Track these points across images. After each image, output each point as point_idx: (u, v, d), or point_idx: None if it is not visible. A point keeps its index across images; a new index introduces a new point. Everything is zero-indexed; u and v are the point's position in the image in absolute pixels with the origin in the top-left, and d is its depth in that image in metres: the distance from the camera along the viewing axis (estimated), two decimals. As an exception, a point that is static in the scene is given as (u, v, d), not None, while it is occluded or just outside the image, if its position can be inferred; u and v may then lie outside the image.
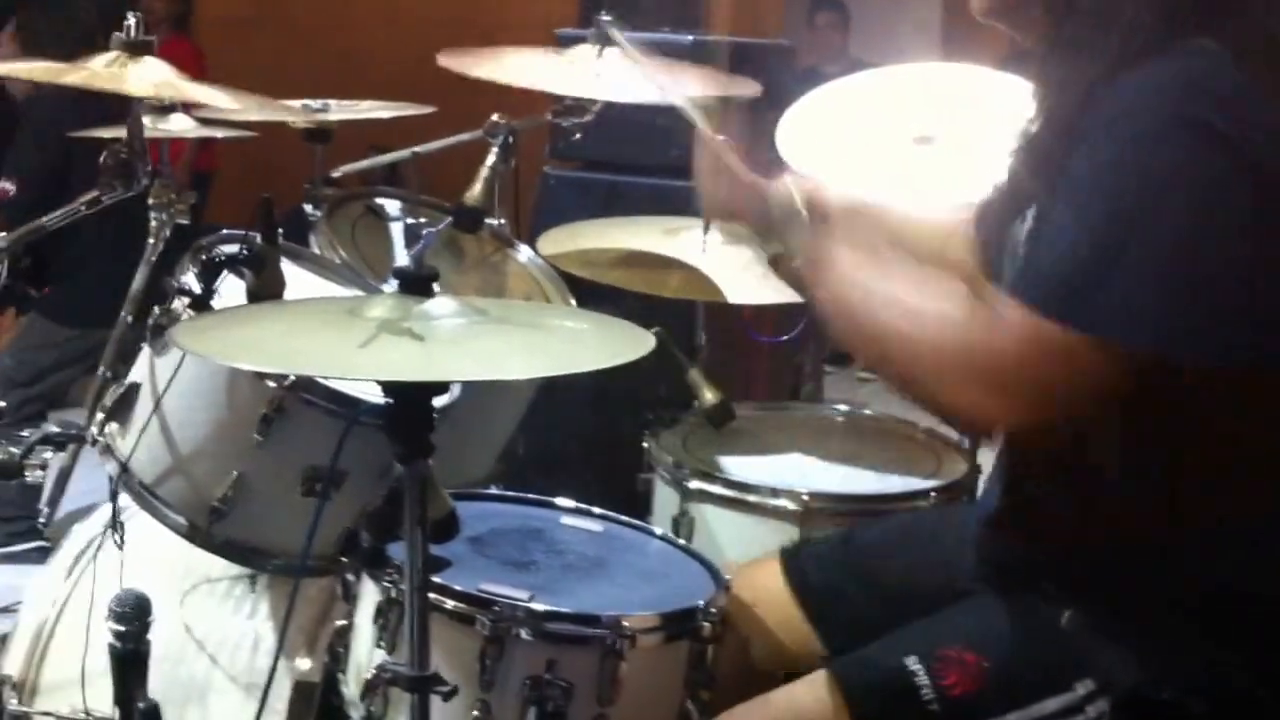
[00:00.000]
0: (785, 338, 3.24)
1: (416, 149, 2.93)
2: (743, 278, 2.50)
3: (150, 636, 2.02)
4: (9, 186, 4.31)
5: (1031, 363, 1.51)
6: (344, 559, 1.90)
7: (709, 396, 2.50)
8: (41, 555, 4.19)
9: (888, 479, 2.40)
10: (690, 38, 3.90)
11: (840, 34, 6.19)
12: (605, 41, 2.55)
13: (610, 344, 1.69)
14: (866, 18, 6.20)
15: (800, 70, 4.92)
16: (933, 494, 2.32)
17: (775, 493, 2.27)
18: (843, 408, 2.76)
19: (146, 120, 2.38)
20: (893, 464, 2.45)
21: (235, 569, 2.29)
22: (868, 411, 2.74)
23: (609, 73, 2.54)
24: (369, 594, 1.88)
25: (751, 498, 2.29)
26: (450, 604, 1.79)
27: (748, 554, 2.17)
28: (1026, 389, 1.52)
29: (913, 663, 1.69)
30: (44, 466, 2.09)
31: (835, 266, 1.72)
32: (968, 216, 1.91)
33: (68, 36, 3.90)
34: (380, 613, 1.83)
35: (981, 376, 1.54)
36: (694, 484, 2.34)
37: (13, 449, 2.05)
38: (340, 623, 1.96)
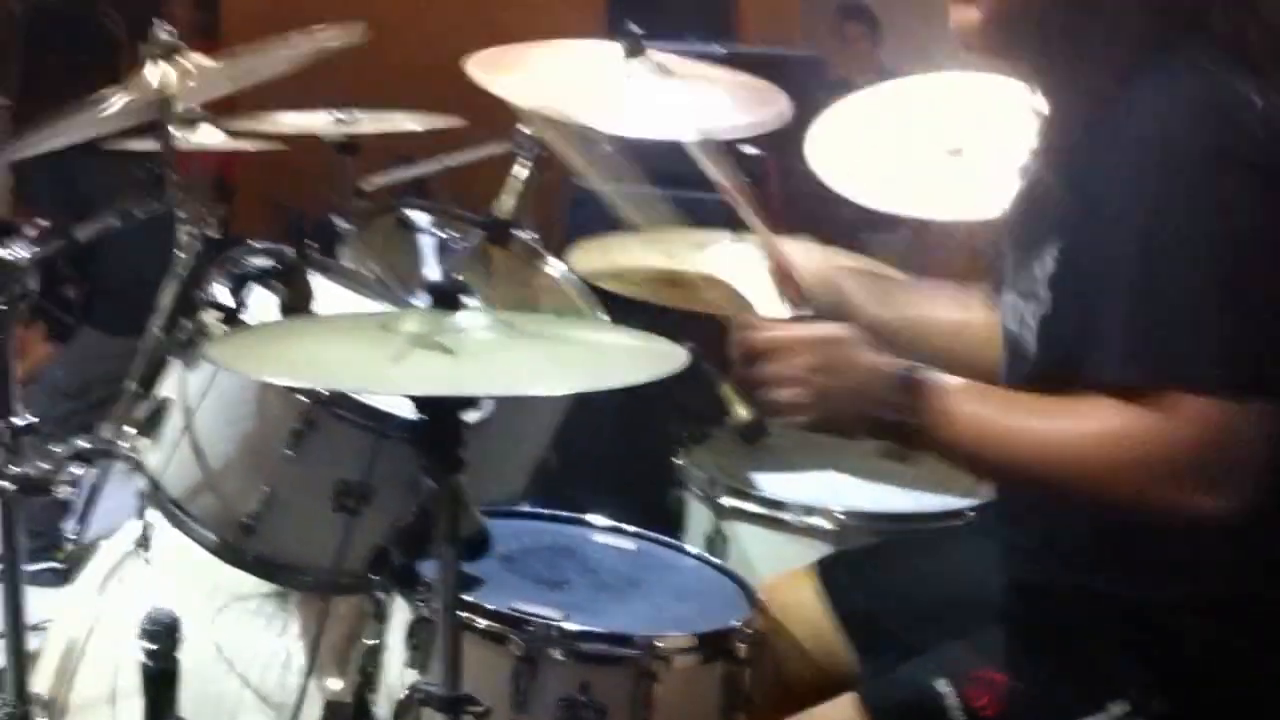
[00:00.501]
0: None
1: (446, 161, 2.92)
2: (774, 290, 2.47)
3: (180, 655, 2.01)
4: None
5: (1213, 443, 1.43)
6: (374, 576, 1.89)
7: (742, 412, 2.45)
8: (56, 576, 4.21)
9: (923, 497, 2.38)
10: (721, 50, 3.89)
11: (871, 45, 6.15)
12: (634, 52, 2.53)
13: (642, 359, 1.67)
14: (897, 28, 6.16)
15: (831, 82, 4.89)
16: (968, 513, 2.29)
17: (809, 510, 2.25)
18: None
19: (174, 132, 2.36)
20: (928, 482, 2.42)
21: (265, 586, 2.27)
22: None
23: (635, 86, 2.52)
24: (400, 612, 1.86)
25: (785, 515, 2.27)
26: (482, 623, 1.78)
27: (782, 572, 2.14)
28: (1221, 471, 1.45)
29: (943, 685, 1.67)
30: (74, 482, 2.08)
31: (936, 423, 1.57)
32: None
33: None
34: (412, 632, 1.82)
35: (1175, 475, 1.45)
36: (727, 501, 2.32)
37: (43, 464, 2.03)
38: (371, 642, 1.94)
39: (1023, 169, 1.70)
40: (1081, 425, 1.50)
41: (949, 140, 2.35)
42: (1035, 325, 1.61)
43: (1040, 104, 1.67)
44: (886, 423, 1.59)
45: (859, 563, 2.06)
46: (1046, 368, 1.60)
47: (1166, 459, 1.44)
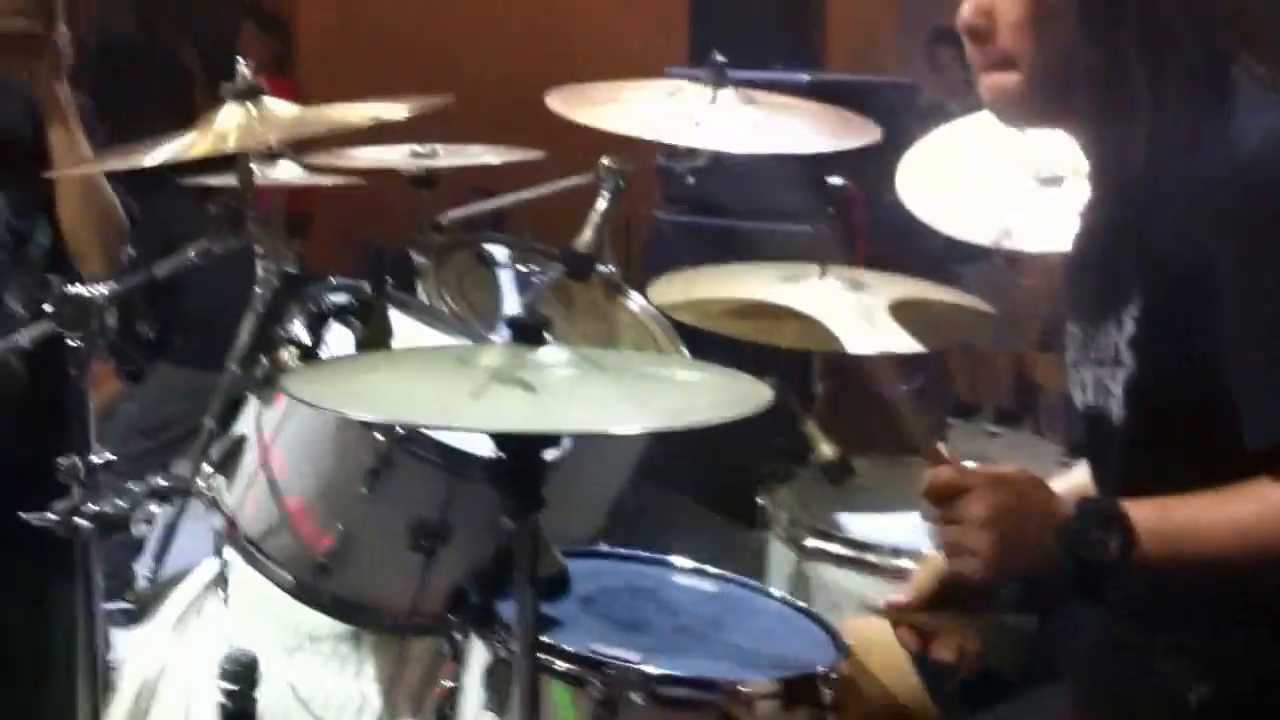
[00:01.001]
0: (907, 389, 3.15)
1: (525, 194, 2.90)
2: (862, 326, 2.42)
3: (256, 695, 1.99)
4: None
5: None
6: (452, 617, 1.87)
7: (826, 451, 2.42)
8: (127, 616, 4.23)
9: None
10: (806, 76, 3.85)
11: (963, 69, 6.07)
12: (718, 82, 2.50)
13: (724, 397, 1.63)
14: None
15: (923, 108, 4.83)
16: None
17: (897, 552, 2.20)
18: (970, 464, 2.66)
19: (254, 168, 2.37)
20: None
21: (340, 627, 2.26)
22: (996, 466, 2.64)
23: (720, 115, 2.49)
24: (477, 654, 1.84)
25: (872, 557, 2.23)
26: (561, 665, 1.75)
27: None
28: None
29: None
30: (150, 520, 2.07)
31: (1141, 548, 1.47)
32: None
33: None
34: (489, 673, 1.80)
35: None
36: (811, 542, 2.28)
37: (120, 502, 2.03)
38: (448, 683, 1.92)
39: (1077, 237, 1.64)
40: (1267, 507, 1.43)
41: (1044, 169, 2.29)
42: (1121, 392, 1.55)
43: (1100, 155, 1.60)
44: (1085, 562, 1.47)
45: None
46: (1140, 432, 1.55)
47: None
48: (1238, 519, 1.45)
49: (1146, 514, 1.47)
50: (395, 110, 2.27)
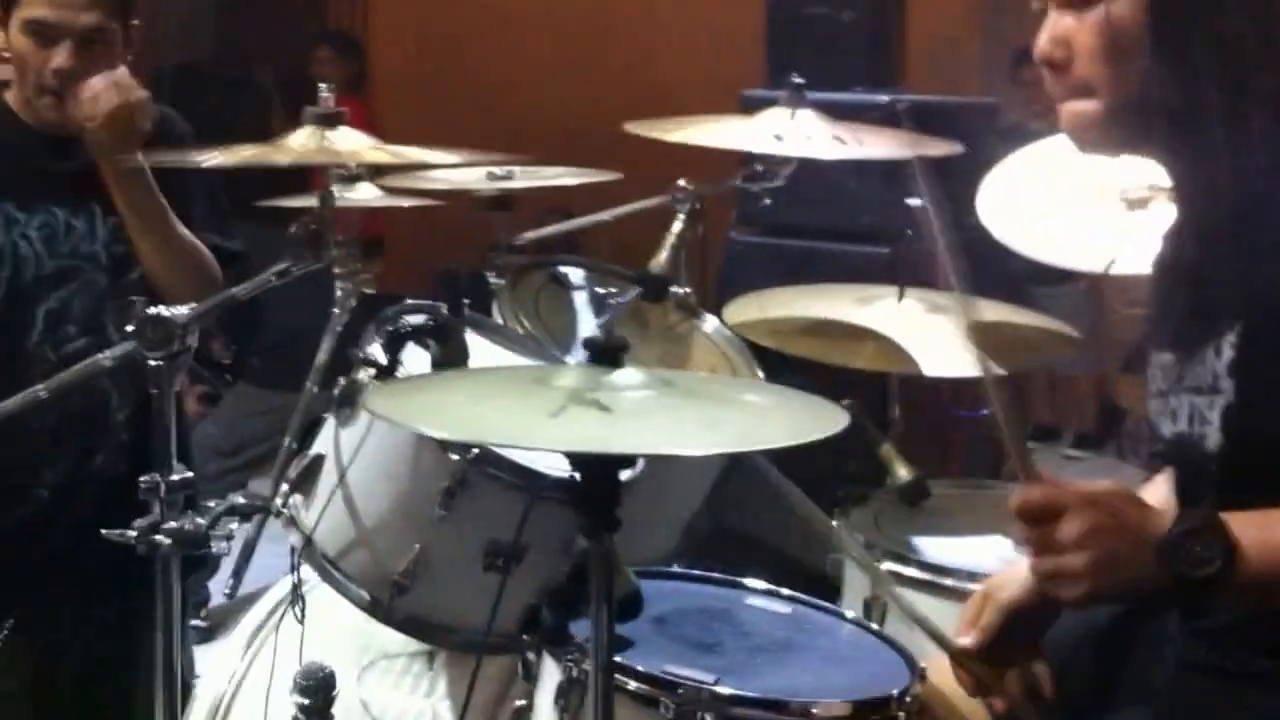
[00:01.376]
0: (985, 411, 3.12)
1: (601, 215, 2.91)
2: (939, 348, 2.41)
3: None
4: None
5: None
6: (525, 636, 1.87)
7: (903, 473, 2.41)
8: (199, 634, 4.29)
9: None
10: (885, 97, 3.83)
11: (1045, 89, 5.99)
12: (796, 103, 2.50)
13: (800, 420, 1.62)
14: None
15: (1003, 128, 4.80)
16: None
17: (973, 577, 2.17)
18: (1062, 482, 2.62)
19: (334, 189, 2.39)
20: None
21: (413, 645, 2.26)
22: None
23: (800, 135, 2.49)
24: (550, 673, 1.84)
25: (948, 581, 2.21)
26: (633, 685, 1.75)
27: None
28: None
29: None
30: (230, 538, 2.09)
31: (1245, 559, 1.43)
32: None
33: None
34: (561, 693, 1.80)
35: None
36: (886, 566, 2.25)
37: (199, 519, 2.05)
38: (520, 703, 1.94)
39: (1164, 261, 1.62)
40: None
41: (1130, 191, 2.26)
42: (1218, 419, 1.52)
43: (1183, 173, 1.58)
44: (1187, 580, 1.43)
45: None
46: (1238, 460, 1.51)
47: None
48: None
49: (1248, 527, 1.43)
50: (471, 174, 2.29)
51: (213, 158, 2.23)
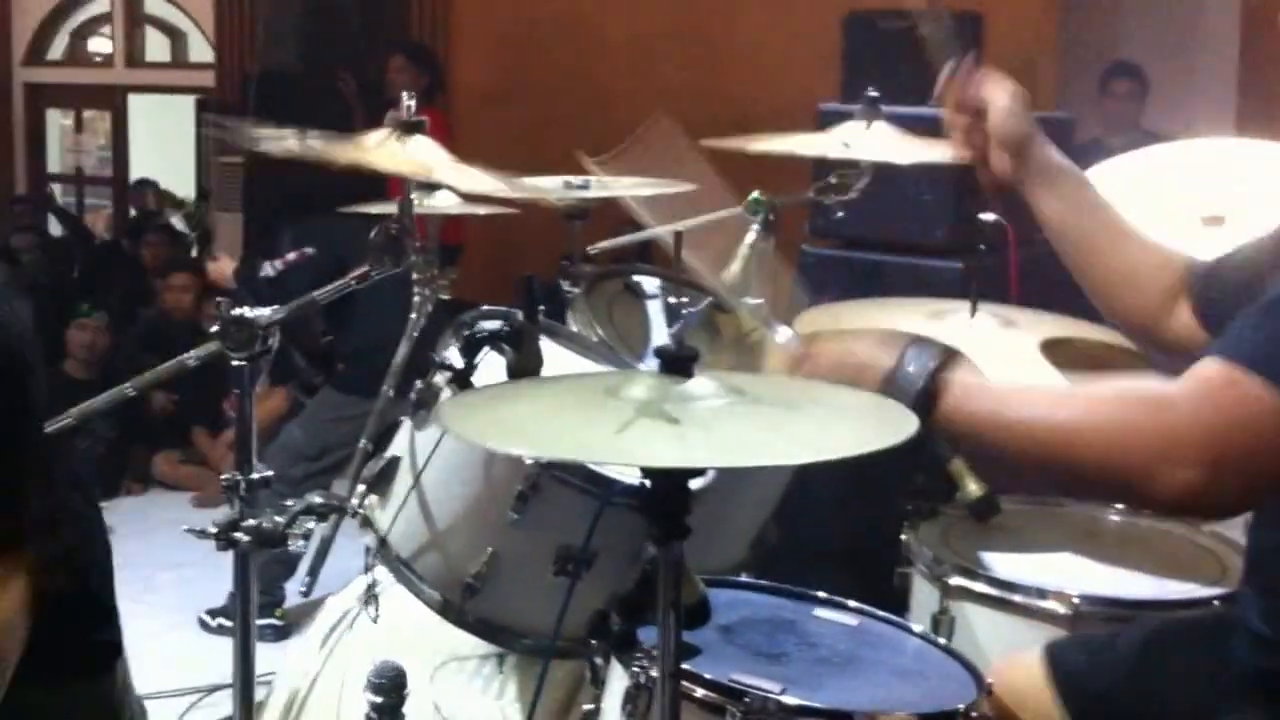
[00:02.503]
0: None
1: (675, 225, 2.92)
2: (1012, 364, 2.40)
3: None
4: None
5: (1236, 420, 1.40)
6: (593, 641, 1.88)
7: (973, 488, 2.40)
8: (275, 633, 4.33)
9: (1165, 584, 2.26)
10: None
11: (1135, 104, 5.97)
12: (872, 116, 2.51)
13: (872, 426, 1.62)
14: (1163, 92, 5.98)
15: (1082, 144, 4.75)
16: (1215, 603, 2.16)
17: (1043, 594, 2.17)
18: (1118, 504, 2.62)
19: (414, 196, 2.42)
20: (1171, 567, 2.31)
21: (484, 647, 2.29)
22: (1144, 508, 2.59)
23: (875, 147, 2.50)
24: (617, 679, 1.85)
25: (1017, 598, 2.20)
26: (700, 692, 1.76)
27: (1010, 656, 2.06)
28: (1229, 450, 1.40)
29: None
30: (307, 536, 2.12)
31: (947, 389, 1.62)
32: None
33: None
34: (629, 698, 1.80)
35: (1182, 435, 1.42)
36: (955, 580, 2.25)
37: (277, 517, 2.08)
38: (587, 707, 1.94)
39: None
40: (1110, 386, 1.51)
41: (1208, 208, 2.25)
42: None
43: None
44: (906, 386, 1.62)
45: (1093, 649, 1.97)
46: None
47: (1188, 414, 1.41)
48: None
49: (972, 380, 1.61)
50: (544, 191, 2.29)
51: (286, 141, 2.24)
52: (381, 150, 2.23)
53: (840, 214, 2.88)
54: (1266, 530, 1.69)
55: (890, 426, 1.55)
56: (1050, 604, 2.15)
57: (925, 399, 1.60)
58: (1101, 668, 1.92)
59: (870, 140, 2.52)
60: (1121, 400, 1.49)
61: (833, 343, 1.75)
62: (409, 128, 2.27)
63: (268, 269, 4.61)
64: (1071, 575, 2.27)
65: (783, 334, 2.57)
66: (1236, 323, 1.47)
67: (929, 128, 2.44)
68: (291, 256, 4.56)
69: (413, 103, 2.29)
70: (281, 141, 2.25)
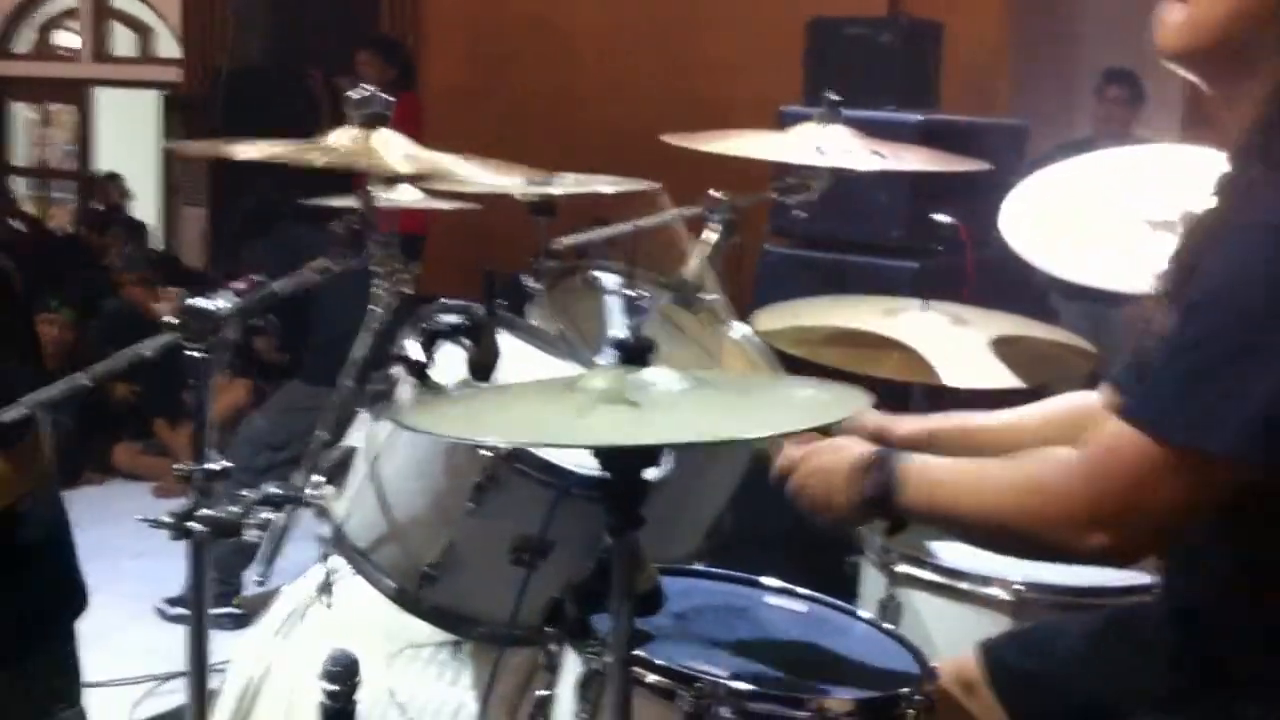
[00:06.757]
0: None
1: (638, 222, 2.95)
2: (960, 360, 2.44)
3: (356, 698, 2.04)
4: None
5: (1125, 475, 1.49)
6: (548, 629, 1.90)
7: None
8: (233, 622, 4.33)
9: (1107, 571, 2.30)
10: (918, 116, 3.86)
11: (1127, 110, 6.02)
12: (831, 119, 2.55)
13: (816, 407, 1.66)
14: (1160, 103, 6.02)
15: (1077, 141, 4.80)
16: (1154, 590, 2.20)
17: (987, 581, 2.21)
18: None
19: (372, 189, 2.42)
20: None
21: (440, 635, 2.30)
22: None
23: (832, 149, 2.54)
24: (571, 665, 1.87)
25: (962, 585, 2.24)
26: (651, 678, 1.78)
27: (957, 643, 2.10)
28: (1121, 506, 1.49)
29: None
30: (264, 526, 2.13)
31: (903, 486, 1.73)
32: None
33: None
34: (583, 684, 1.82)
35: (1075, 498, 1.52)
36: (902, 568, 2.29)
37: (233, 508, 2.09)
38: (542, 693, 1.95)
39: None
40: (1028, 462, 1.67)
41: (1156, 213, 2.30)
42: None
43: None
44: (869, 499, 1.75)
45: (1028, 644, 2.01)
46: None
47: (1081, 480, 1.52)
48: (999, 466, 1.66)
49: (916, 466, 1.72)
50: (509, 181, 2.31)
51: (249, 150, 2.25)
52: (346, 150, 2.22)
53: (801, 214, 2.92)
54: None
55: (834, 406, 1.60)
56: (994, 590, 2.19)
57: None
58: (1036, 659, 1.95)
59: (828, 142, 2.56)
60: (1031, 478, 1.61)
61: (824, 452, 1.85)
62: (372, 120, 2.26)
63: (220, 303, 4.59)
64: (1015, 563, 2.31)
65: (738, 330, 2.62)
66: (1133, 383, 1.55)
67: (886, 131, 2.50)
68: (241, 287, 4.54)
69: (369, 92, 2.26)
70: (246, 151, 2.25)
